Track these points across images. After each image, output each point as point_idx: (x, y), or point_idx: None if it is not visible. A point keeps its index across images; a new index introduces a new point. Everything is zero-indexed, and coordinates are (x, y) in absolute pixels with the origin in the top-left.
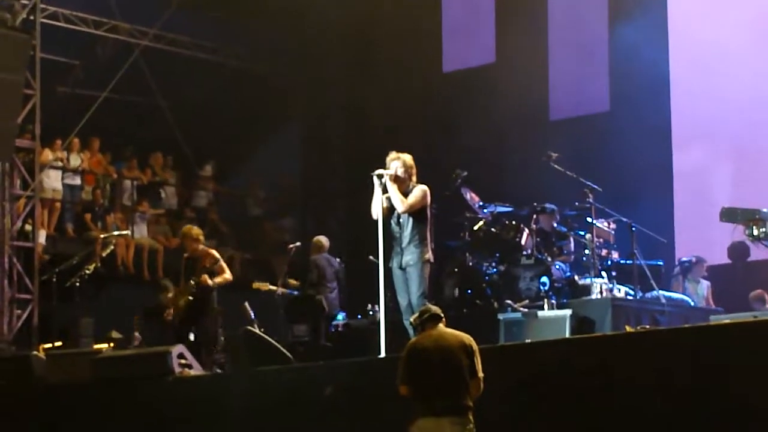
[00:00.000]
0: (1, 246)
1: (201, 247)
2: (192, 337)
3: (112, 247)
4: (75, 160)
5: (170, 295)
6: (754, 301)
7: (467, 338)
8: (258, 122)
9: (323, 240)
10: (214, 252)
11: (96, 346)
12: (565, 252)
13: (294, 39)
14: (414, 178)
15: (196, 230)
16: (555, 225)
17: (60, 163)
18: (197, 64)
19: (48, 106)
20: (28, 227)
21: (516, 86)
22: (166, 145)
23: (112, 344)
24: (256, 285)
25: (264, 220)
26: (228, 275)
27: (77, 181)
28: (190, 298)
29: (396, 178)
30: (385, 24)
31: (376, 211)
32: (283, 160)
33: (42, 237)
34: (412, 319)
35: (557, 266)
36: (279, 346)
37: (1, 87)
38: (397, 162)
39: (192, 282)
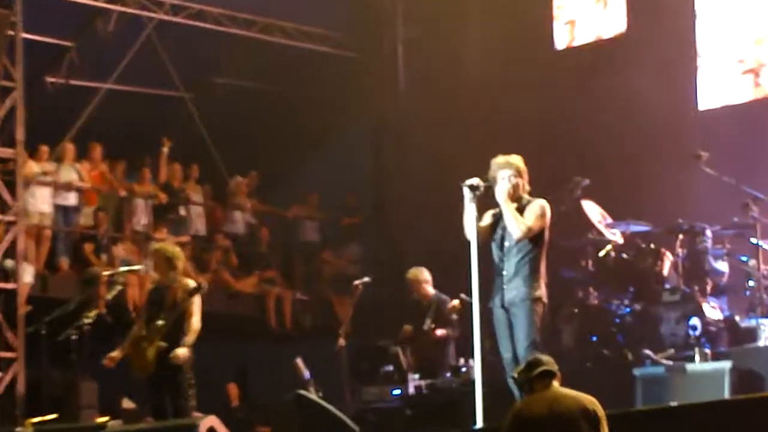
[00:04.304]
0: None
1: (173, 273)
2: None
3: (120, 287)
4: (68, 173)
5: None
6: None
7: (590, 402)
8: (313, 118)
9: None
10: (190, 281)
11: (100, 420)
12: (722, 285)
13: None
14: (528, 189)
15: (173, 249)
16: (707, 249)
17: (49, 178)
18: (230, 43)
19: (34, 102)
20: (9, 263)
21: (653, 65)
22: (189, 150)
23: (121, 417)
24: (460, 300)
25: (322, 247)
26: (195, 322)
27: (72, 200)
28: (162, 344)
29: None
30: None
31: (471, 233)
32: (348, 168)
33: (28, 275)
34: (516, 374)
35: (711, 304)
36: (341, 415)
37: None
38: (508, 170)
39: (159, 323)
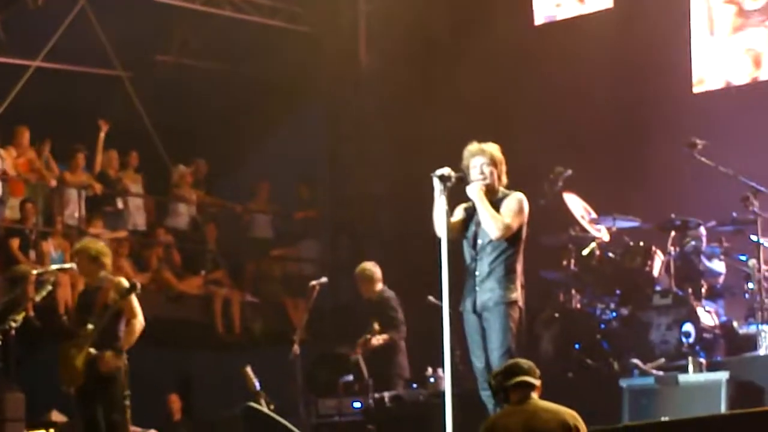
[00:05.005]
0: None
1: (103, 273)
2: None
3: (50, 287)
4: None
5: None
6: None
7: (572, 416)
8: (264, 100)
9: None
10: (122, 280)
11: None
12: (718, 287)
13: None
14: (504, 181)
15: (96, 247)
16: (702, 247)
17: None
18: (172, 18)
19: None
20: None
21: (643, 43)
22: (127, 136)
23: (52, 430)
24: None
25: (274, 244)
26: (138, 323)
27: None
28: (92, 352)
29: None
30: None
31: (441, 229)
32: (303, 156)
33: None
34: (491, 379)
35: (707, 308)
36: (295, 430)
37: None
38: (482, 158)
39: (89, 328)
